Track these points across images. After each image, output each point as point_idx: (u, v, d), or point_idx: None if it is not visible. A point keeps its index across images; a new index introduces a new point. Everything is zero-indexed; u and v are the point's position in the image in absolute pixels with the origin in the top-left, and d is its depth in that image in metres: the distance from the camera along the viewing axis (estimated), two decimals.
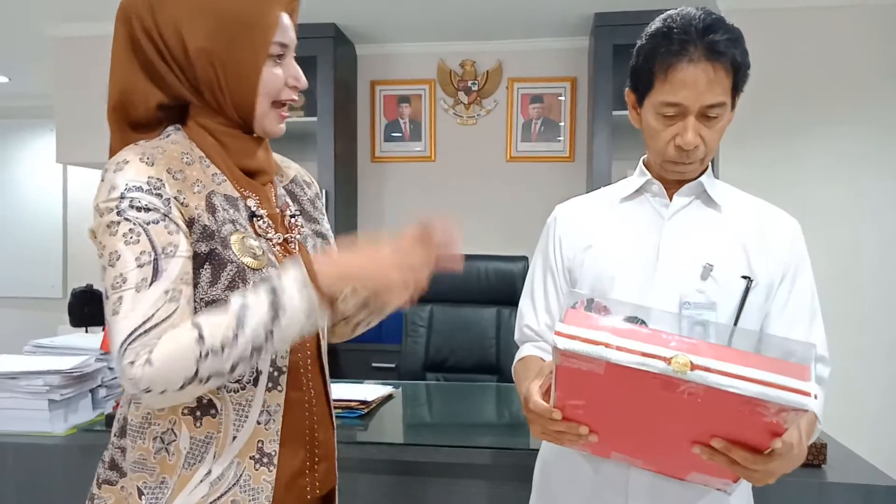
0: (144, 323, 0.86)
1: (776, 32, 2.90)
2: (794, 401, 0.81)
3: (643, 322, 0.95)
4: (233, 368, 0.89)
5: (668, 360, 0.84)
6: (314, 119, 3.33)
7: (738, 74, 1.08)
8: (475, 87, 3.69)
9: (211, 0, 0.95)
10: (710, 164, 1.21)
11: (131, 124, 1.01)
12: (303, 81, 1.03)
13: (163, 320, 0.87)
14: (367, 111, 3.76)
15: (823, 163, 2.92)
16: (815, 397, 0.81)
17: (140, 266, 0.88)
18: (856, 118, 2.91)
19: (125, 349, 0.86)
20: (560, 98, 3.64)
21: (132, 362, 0.85)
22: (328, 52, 3.30)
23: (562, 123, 3.64)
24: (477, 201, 3.68)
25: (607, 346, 0.85)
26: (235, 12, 0.95)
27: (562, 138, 3.64)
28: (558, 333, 0.87)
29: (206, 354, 0.86)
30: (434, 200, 3.70)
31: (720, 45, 1.05)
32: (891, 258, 2.90)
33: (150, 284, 0.88)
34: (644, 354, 0.84)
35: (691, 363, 0.83)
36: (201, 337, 0.86)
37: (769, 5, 2.90)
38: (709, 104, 1.07)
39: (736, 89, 1.10)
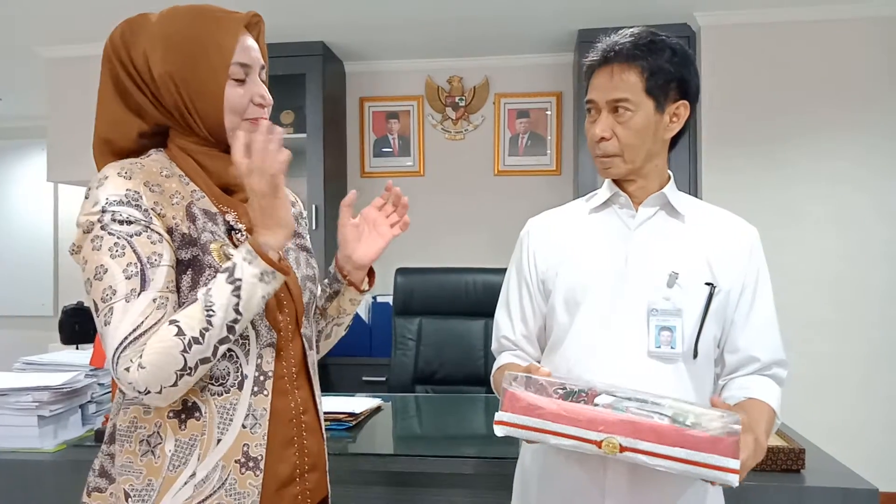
0: (135, 330, 0.91)
1: (755, 46, 2.95)
2: (718, 478, 0.89)
3: (583, 392, 0.99)
4: (216, 351, 0.94)
5: (598, 444, 0.92)
6: (304, 135, 3.38)
7: (654, 78, 1.16)
8: (462, 103, 3.74)
9: (172, 27, 1.01)
10: (671, 175, 1.26)
11: (116, 155, 1.05)
12: (268, 99, 1.07)
13: (151, 327, 0.92)
14: (356, 127, 3.81)
15: (809, 170, 2.96)
16: (740, 472, 0.89)
17: (128, 278, 0.93)
18: (840, 125, 2.96)
19: (118, 357, 0.91)
20: (546, 112, 3.69)
21: (126, 368, 0.91)
22: (317, 69, 3.35)
23: (548, 137, 3.69)
24: (465, 215, 3.72)
25: (543, 432, 0.94)
26: (193, 37, 1.01)
27: (549, 152, 3.69)
28: (498, 422, 0.97)
29: (190, 345, 0.91)
30: (423, 214, 3.72)
31: (626, 49, 1.16)
32: (877, 264, 2.94)
33: (139, 294, 0.93)
34: (577, 439, 0.93)
35: (620, 445, 0.91)
36: (181, 331, 0.91)
37: (747, 20, 2.95)
38: (612, 98, 1.16)
39: (653, 92, 1.16)
